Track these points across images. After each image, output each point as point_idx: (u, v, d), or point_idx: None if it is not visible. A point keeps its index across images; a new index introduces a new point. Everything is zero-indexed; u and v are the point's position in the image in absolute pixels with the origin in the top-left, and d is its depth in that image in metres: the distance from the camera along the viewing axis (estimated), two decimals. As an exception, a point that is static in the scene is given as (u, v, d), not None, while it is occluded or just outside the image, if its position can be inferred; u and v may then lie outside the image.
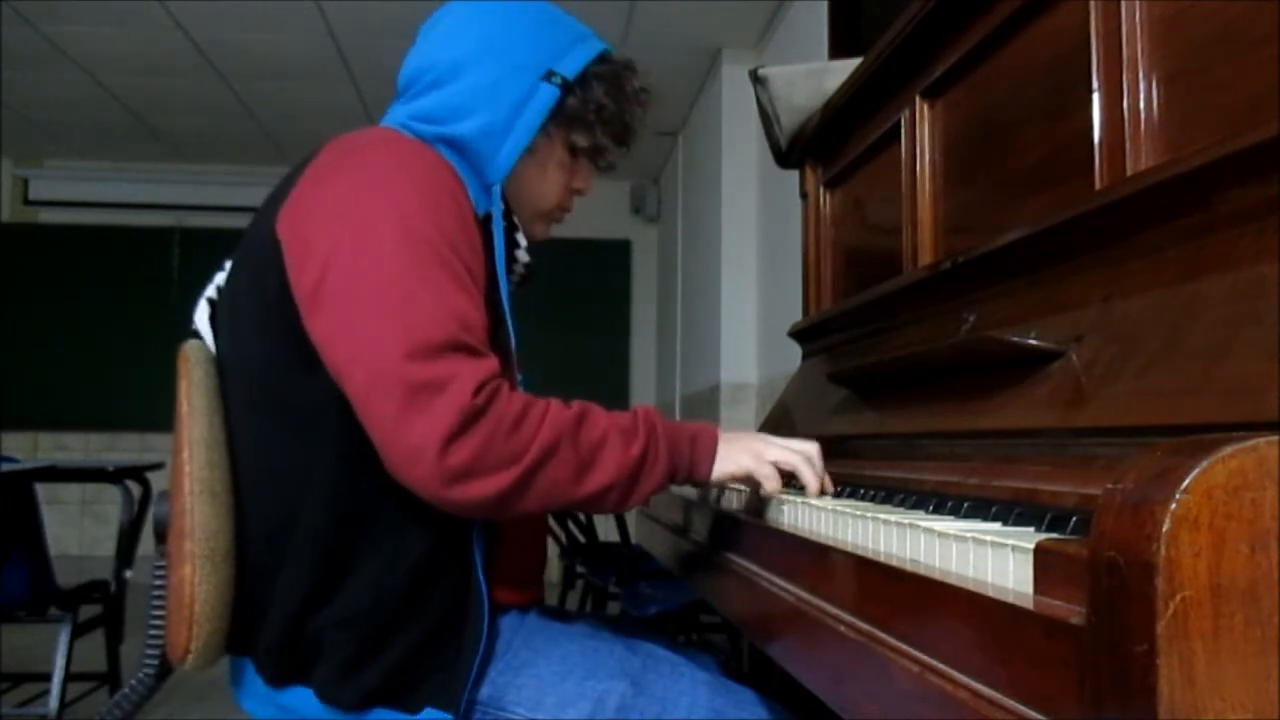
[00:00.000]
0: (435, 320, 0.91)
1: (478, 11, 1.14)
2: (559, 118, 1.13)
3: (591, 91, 1.14)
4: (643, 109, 1.20)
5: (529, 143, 1.11)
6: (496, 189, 1.10)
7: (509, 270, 1.17)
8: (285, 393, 1.00)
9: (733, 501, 1.24)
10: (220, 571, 1.01)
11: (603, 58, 1.16)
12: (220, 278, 1.12)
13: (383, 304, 0.91)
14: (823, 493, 1.05)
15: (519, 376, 1.10)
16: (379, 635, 0.97)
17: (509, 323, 1.08)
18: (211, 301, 1.12)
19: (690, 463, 1.02)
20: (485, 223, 1.08)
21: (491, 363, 0.93)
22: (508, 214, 1.13)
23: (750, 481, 1.06)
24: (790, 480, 1.06)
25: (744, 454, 1.04)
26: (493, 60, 1.10)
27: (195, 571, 0.99)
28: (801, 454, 1.06)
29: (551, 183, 1.17)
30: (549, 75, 1.11)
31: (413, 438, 0.88)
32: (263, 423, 1.03)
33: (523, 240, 1.17)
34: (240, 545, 1.04)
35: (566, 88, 1.12)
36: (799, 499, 1.01)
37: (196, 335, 1.12)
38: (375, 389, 0.89)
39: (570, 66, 1.12)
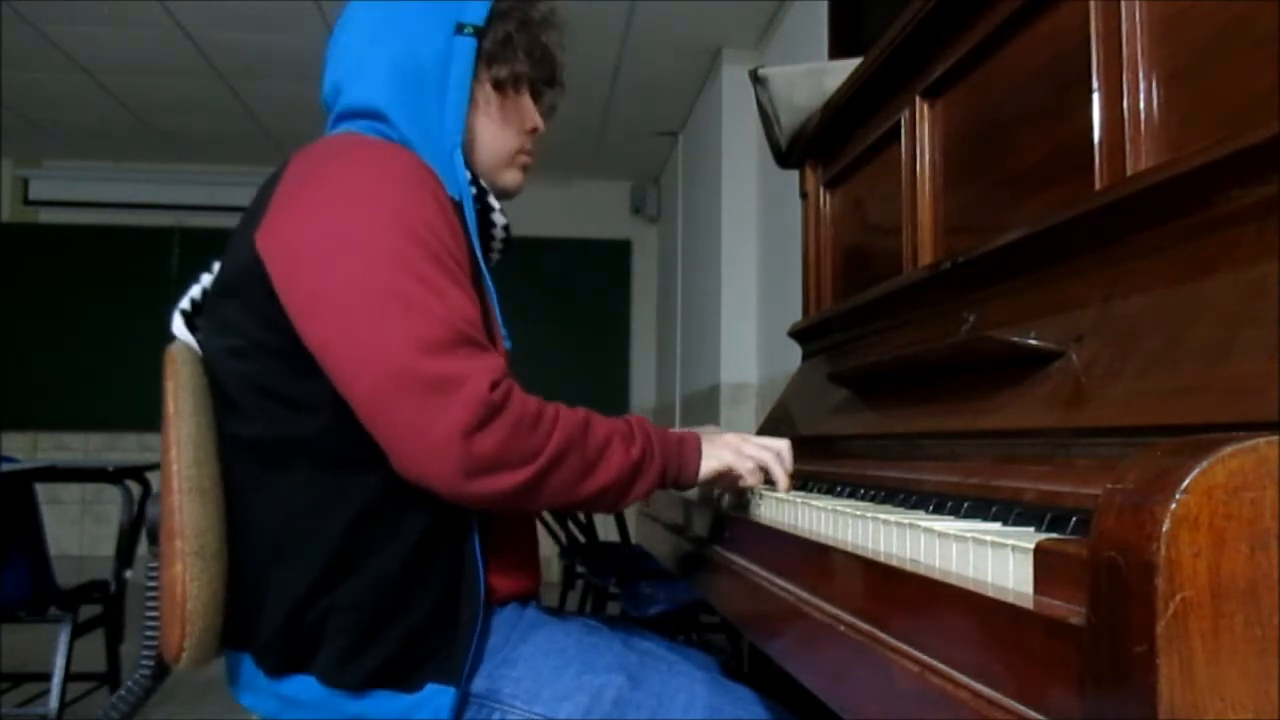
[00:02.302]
0: (440, 318, 0.91)
1: (363, 3, 1.15)
2: (480, 63, 1.14)
3: (500, 27, 1.15)
4: (555, 30, 1.21)
5: (468, 96, 1.12)
6: (458, 155, 1.10)
7: (488, 249, 1.17)
8: (276, 397, 0.99)
9: (731, 502, 1.24)
10: (211, 569, 1.01)
11: None
12: (195, 290, 1.12)
13: (384, 306, 0.91)
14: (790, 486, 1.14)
15: (506, 340, 1.11)
16: (379, 619, 0.97)
17: (496, 309, 1.09)
18: (185, 313, 1.11)
19: (679, 464, 1.07)
20: (458, 208, 1.07)
21: (498, 359, 0.94)
22: (474, 181, 1.13)
23: (732, 475, 1.11)
24: (766, 479, 1.14)
25: (725, 450, 1.11)
26: (397, 32, 1.11)
27: (186, 570, 0.99)
28: (773, 451, 1.14)
29: (501, 128, 1.18)
30: (459, 28, 1.12)
31: (435, 433, 0.88)
32: (254, 426, 1.02)
33: (496, 204, 1.16)
34: (233, 542, 1.05)
35: (479, 34, 1.13)
36: (799, 498, 1.01)
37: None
38: (388, 390, 0.89)
39: (476, 14, 1.13)
